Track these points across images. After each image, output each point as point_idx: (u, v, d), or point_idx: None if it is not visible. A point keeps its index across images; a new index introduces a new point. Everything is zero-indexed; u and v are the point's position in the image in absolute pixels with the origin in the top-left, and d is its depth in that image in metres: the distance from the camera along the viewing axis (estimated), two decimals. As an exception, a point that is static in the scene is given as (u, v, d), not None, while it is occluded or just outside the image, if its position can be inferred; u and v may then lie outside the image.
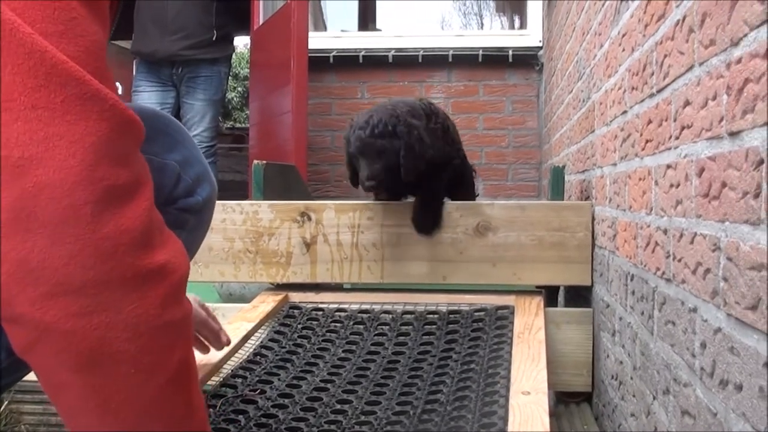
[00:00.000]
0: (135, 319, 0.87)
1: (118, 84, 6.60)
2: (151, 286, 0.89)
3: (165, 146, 1.24)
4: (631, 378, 1.64)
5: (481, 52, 5.21)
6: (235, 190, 5.41)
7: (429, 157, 2.20)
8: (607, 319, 1.96)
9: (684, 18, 1.23)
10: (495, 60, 5.21)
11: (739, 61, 0.95)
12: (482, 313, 2.07)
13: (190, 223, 1.29)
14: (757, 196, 0.88)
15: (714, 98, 1.06)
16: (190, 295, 1.56)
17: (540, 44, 5.25)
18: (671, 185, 1.30)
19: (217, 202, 2.26)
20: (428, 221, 2.26)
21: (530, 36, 5.42)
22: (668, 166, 1.32)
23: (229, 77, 5.36)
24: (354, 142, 2.16)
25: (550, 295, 2.32)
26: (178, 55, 4.71)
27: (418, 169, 2.16)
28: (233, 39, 5.15)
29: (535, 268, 2.21)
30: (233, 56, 5.31)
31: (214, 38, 4.73)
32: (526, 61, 5.23)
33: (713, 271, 1.05)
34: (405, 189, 2.35)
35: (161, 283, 0.90)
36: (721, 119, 1.02)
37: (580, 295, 2.29)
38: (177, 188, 1.25)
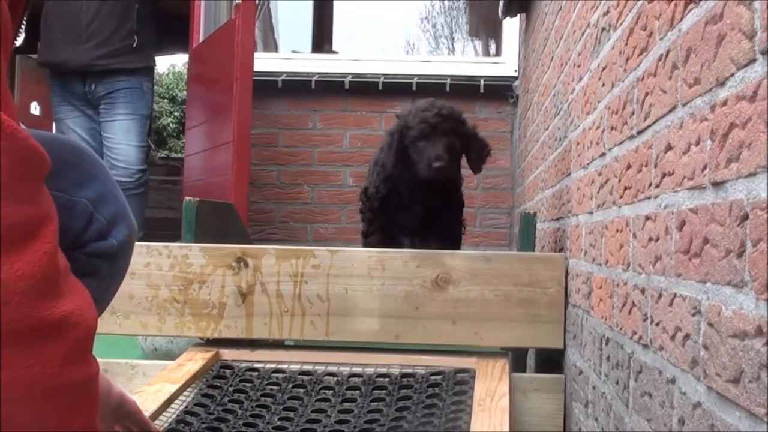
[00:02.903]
0: (30, 379, 0.85)
1: (35, 103, 6.56)
2: (50, 341, 0.87)
3: (76, 181, 1.22)
4: (605, 456, 1.64)
5: (449, 81, 5.26)
6: (168, 229, 5.38)
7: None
8: (580, 388, 1.96)
9: (668, 52, 1.25)
10: (465, 90, 5.25)
11: (724, 103, 0.97)
12: (439, 377, 2.06)
13: (102, 270, 1.26)
14: (740, 255, 0.89)
15: (697, 143, 1.07)
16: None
17: (516, 74, 5.28)
18: (650, 239, 1.31)
19: (143, 243, 2.25)
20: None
21: (505, 64, 5.46)
22: (647, 218, 1.33)
23: (155, 95, 5.30)
24: (418, 124, 2.44)
25: (517, 358, 2.32)
26: (92, 65, 4.63)
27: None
28: (156, 50, 5.09)
29: (501, 328, 2.21)
30: (155, 71, 5.22)
31: (134, 45, 4.65)
32: (499, 92, 5.29)
33: (693, 338, 1.06)
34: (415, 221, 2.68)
35: (62, 337, 0.88)
36: (705, 167, 1.03)
37: (551, 360, 2.29)
38: (88, 230, 1.23)
